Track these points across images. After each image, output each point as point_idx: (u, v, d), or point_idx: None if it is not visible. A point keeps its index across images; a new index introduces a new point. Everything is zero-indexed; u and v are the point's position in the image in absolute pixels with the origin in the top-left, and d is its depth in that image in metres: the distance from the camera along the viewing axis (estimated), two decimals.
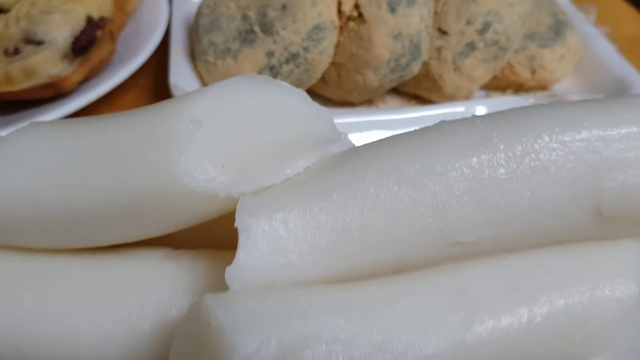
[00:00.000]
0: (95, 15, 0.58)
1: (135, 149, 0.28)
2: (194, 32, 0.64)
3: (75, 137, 0.30)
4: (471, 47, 0.60)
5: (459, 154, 0.27)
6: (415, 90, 0.64)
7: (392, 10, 0.57)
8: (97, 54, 0.58)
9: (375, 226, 0.27)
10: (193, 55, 0.63)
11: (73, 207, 0.28)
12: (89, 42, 0.55)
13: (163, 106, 0.30)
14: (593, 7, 0.76)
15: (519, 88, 0.66)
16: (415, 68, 0.59)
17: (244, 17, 0.59)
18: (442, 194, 0.27)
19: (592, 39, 0.67)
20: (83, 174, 0.28)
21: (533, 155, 0.27)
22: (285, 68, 0.57)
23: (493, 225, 0.27)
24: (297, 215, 0.26)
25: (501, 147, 0.27)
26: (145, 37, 0.64)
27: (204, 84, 0.61)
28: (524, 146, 0.27)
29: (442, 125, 0.29)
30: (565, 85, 0.66)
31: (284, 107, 0.31)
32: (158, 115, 0.29)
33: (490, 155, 0.27)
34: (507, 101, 0.58)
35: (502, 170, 0.27)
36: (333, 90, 0.61)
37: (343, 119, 0.54)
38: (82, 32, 0.55)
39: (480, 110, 0.55)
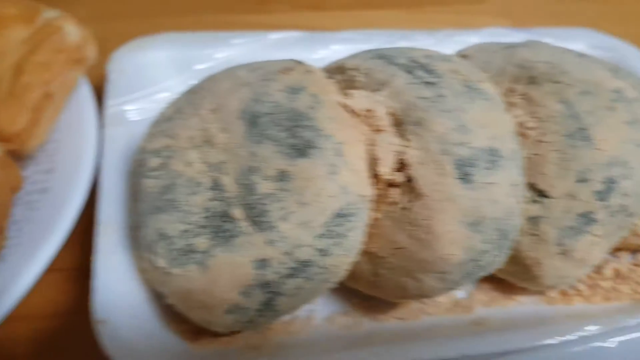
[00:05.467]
0: None
1: None
2: (134, 198, 0.39)
3: None
4: (586, 218, 0.37)
5: None
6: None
7: (466, 177, 0.34)
8: None
9: None
10: (135, 230, 0.39)
11: None
12: None
13: None
14: None
15: (637, 249, 0.44)
16: (501, 262, 0.36)
17: (216, 186, 0.35)
18: None
19: None
20: None
21: None
22: (290, 284, 0.33)
23: None
24: None
25: None
26: (59, 193, 0.40)
27: (154, 298, 0.37)
28: None
29: None
30: None
31: None
32: None
33: None
34: None
35: None
36: (364, 285, 0.38)
37: None
38: None
39: None
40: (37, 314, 0.39)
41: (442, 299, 0.40)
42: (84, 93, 0.45)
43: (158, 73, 0.49)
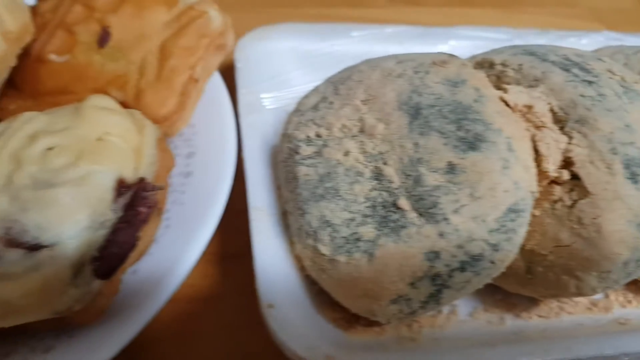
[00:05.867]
0: (130, 175, 0.34)
1: None
2: (284, 182, 0.39)
3: None
4: None
5: None
6: None
7: (634, 177, 0.34)
8: (137, 249, 0.34)
9: None
10: (284, 216, 0.39)
11: None
12: (126, 251, 0.31)
13: None
14: None
15: None
16: None
17: (378, 176, 0.36)
18: None
19: None
20: None
21: None
22: (459, 277, 0.33)
23: None
24: None
25: None
26: (203, 178, 0.40)
27: (307, 285, 0.37)
28: None
29: None
30: None
31: None
32: None
33: None
34: None
35: None
36: (513, 282, 0.38)
37: None
38: (116, 232, 0.30)
39: None
40: (180, 297, 0.39)
41: (581, 298, 0.40)
42: (216, 79, 0.46)
43: (281, 62, 0.49)
